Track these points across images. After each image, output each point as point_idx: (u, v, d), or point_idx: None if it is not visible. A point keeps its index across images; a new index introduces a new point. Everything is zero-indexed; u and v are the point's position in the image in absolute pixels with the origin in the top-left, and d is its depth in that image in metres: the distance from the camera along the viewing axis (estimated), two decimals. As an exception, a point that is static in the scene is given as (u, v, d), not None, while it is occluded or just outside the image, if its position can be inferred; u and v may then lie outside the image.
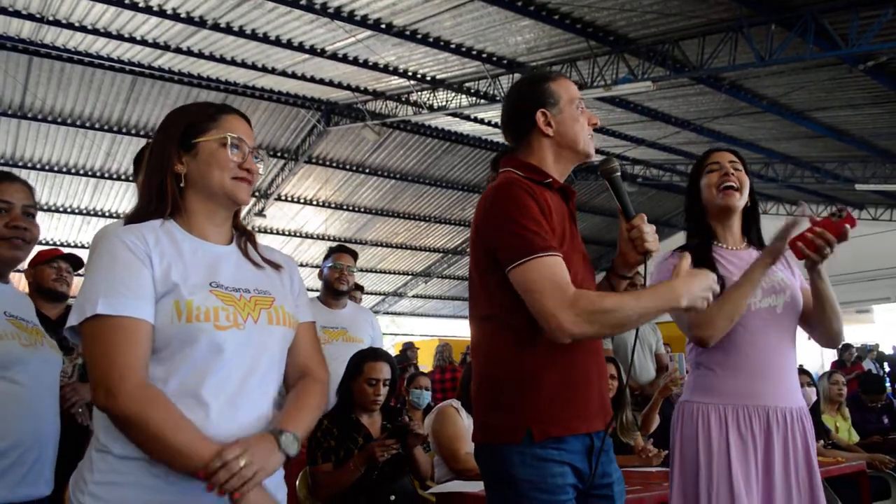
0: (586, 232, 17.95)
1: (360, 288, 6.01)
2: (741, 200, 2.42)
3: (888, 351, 16.18)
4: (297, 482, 3.39)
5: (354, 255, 4.38)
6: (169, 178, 1.63)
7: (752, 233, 2.50)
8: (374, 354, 3.58)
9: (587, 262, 2.05)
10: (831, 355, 14.65)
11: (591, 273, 2.05)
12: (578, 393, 1.90)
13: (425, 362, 12.46)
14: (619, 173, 2.01)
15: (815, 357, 17.81)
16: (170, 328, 1.50)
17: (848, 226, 2.14)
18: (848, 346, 13.11)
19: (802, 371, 5.54)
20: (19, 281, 3.12)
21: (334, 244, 4.90)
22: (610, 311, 1.75)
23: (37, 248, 2.70)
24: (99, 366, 1.45)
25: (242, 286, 1.62)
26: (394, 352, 12.38)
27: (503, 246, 1.85)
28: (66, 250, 3.60)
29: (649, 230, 1.94)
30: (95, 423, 1.55)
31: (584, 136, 2.03)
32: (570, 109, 2.02)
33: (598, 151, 2.13)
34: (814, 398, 5.29)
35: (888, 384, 9.39)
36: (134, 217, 1.64)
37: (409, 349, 11.93)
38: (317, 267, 5.60)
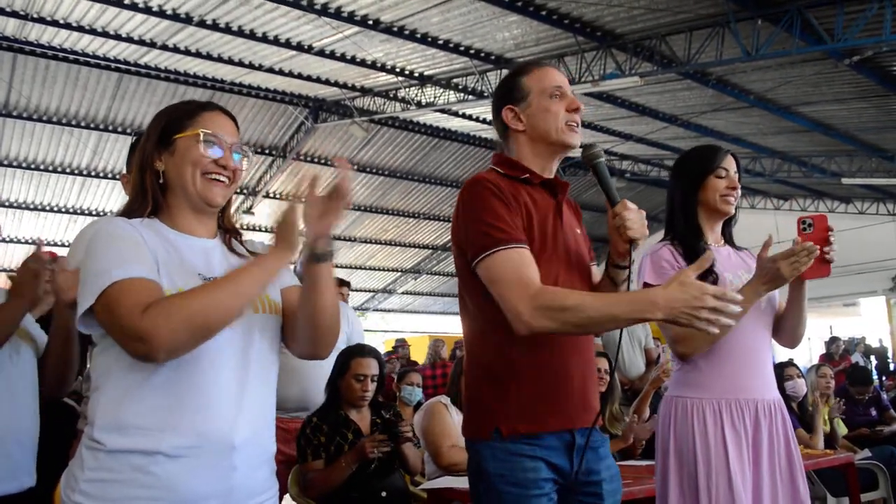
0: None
1: (345, 284, 5.97)
2: (734, 208, 2.46)
3: (874, 343, 16.31)
4: (289, 481, 3.39)
5: None
6: (149, 175, 1.63)
7: (727, 232, 2.55)
8: (361, 350, 3.58)
9: (578, 257, 2.01)
10: (819, 348, 14.75)
11: (580, 267, 2.00)
12: (555, 389, 1.88)
13: (417, 359, 12.45)
14: (602, 159, 1.94)
15: (804, 351, 17.93)
16: None
17: (828, 225, 2.23)
18: (835, 339, 13.20)
19: (792, 364, 5.57)
20: None
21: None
22: (570, 310, 1.70)
23: (31, 249, 2.67)
24: (124, 321, 1.41)
25: None
26: (384, 349, 12.37)
27: (469, 243, 1.86)
28: (52, 250, 3.57)
29: (633, 217, 1.88)
30: (88, 419, 1.54)
31: (556, 126, 1.95)
32: (540, 100, 1.96)
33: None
34: (804, 390, 5.31)
35: (875, 377, 9.45)
36: (122, 215, 1.64)
37: (400, 346, 11.91)
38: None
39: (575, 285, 1.94)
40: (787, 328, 2.43)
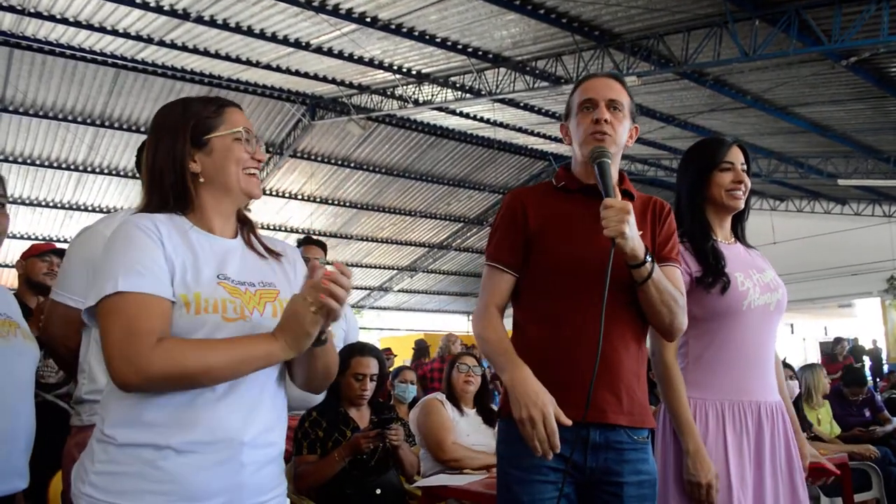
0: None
1: (321, 245, 5.78)
2: (743, 202, 2.40)
3: (868, 345, 16.35)
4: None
5: (323, 247, 4.22)
6: (187, 176, 1.63)
7: (738, 229, 2.49)
8: (362, 349, 3.57)
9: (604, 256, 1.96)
10: (813, 349, 14.76)
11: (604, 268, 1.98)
12: (555, 382, 1.89)
13: (408, 356, 12.45)
14: (605, 159, 1.93)
15: (798, 350, 17.97)
16: (178, 320, 1.51)
17: None
18: (839, 340, 13.13)
19: (785, 365, 5.59)
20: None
21: (321, 238, 4.79)
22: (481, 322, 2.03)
23: (27, 244, 2.67)
24: (118, 338, 1.44)
25: (248, 280, 1.64)
26: (379, 346, 12.33)
27: None
28: (48, 242, 3.57)
29: (608, 214, 1.81)
30: (99, 413, 1.55)
31: (581, 139, 2.02)
32: (576, 116, 2.05)
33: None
34: (797, 390, 5.32)
35: (869, 377, 9.47)
36: (143, 212, 1.64)
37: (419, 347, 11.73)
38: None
39: (591, 283, 1.90)
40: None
